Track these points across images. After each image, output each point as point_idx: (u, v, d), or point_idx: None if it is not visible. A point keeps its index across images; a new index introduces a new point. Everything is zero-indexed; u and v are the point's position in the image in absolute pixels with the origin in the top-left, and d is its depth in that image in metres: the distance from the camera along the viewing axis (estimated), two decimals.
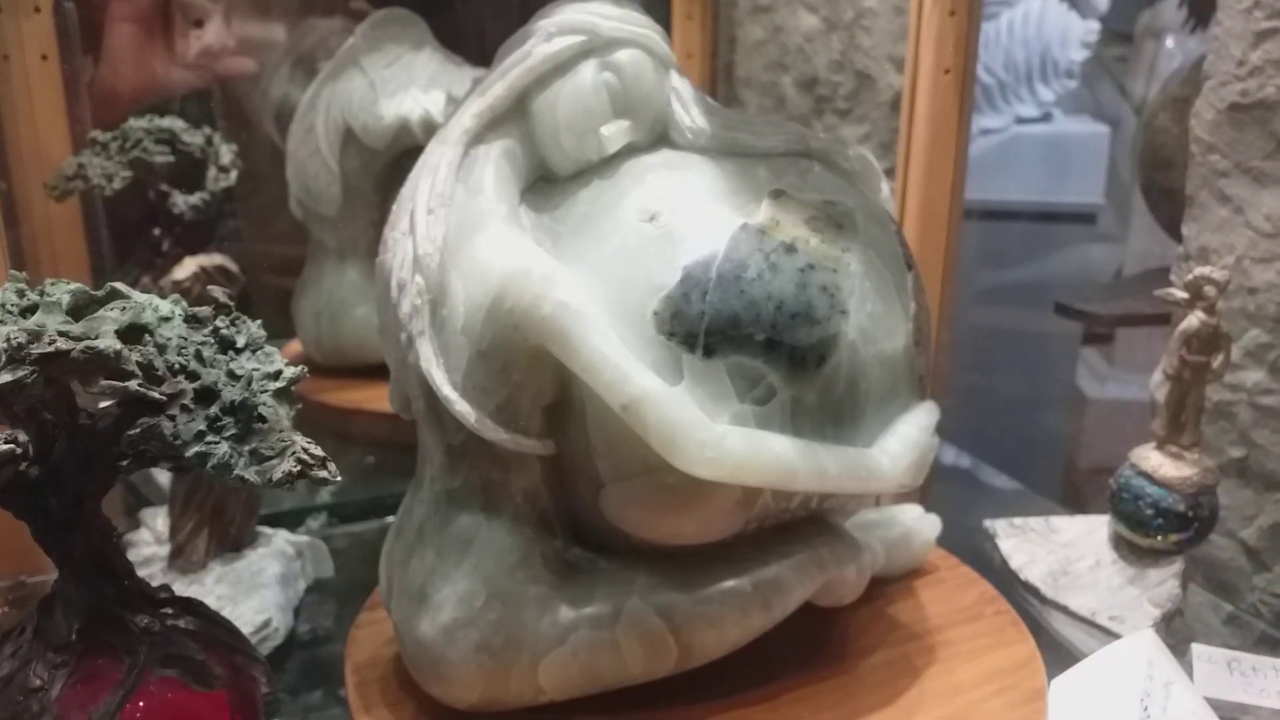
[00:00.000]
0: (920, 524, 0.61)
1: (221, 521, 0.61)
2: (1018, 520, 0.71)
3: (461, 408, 0.43)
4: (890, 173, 0.82)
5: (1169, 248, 1.12)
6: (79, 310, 0.33)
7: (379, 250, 0.48)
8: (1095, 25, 2.31)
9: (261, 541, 0.63)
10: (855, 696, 0.50)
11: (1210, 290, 0.57)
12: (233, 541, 0.62)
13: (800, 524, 0.49)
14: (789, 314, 0.43)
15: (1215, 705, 0.52)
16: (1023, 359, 1.51)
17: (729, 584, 0.47)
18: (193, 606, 0.41)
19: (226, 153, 0.84)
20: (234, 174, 0.83)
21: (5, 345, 0.31)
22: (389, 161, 0.90)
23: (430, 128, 0.87)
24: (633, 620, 0.46)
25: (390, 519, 0.51)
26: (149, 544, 0.62)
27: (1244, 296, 0.70)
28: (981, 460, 0.90)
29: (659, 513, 0.46)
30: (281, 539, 0.64)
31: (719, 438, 0.42)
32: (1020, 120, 2.37)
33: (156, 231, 0.78)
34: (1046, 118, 2.39)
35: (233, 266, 0.78)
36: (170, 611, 0.40)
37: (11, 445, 0.31)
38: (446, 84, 0.89)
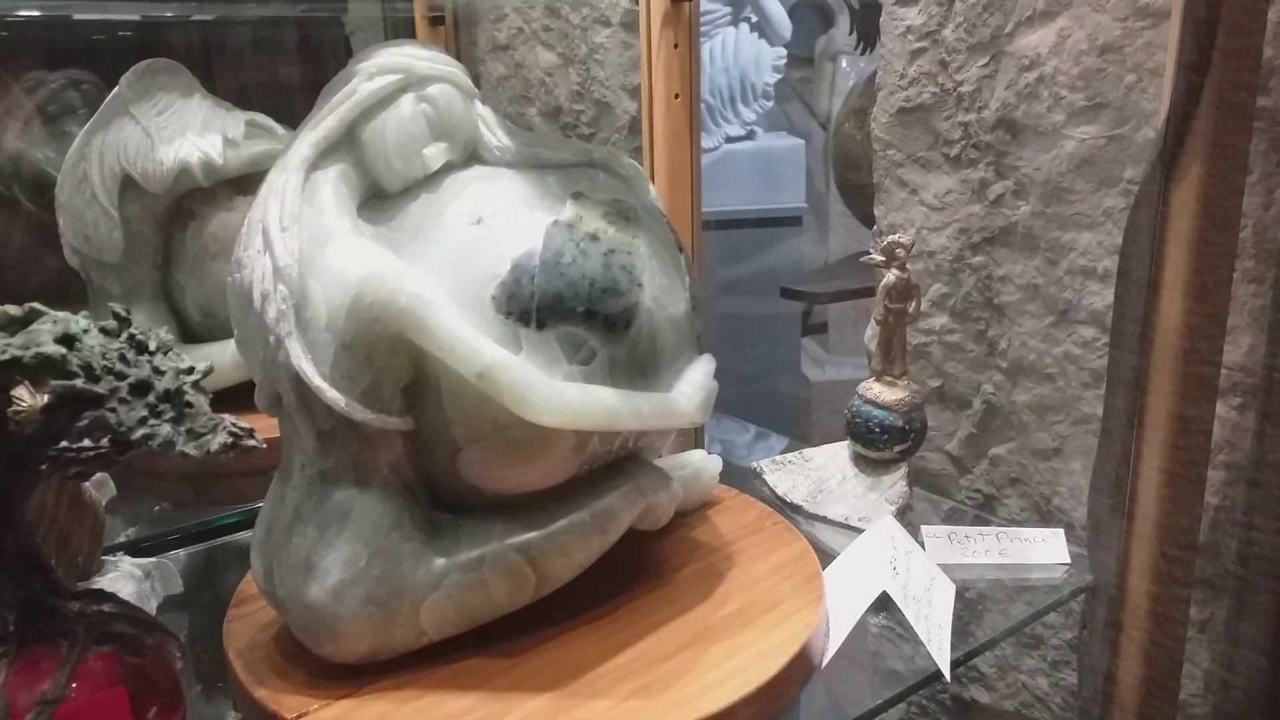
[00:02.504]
0: (706, 463, 0.74)
1: (68, 553, 0.63)
2: (778, 457, 0.86)
3: (332, 395, 0.50)
4: None
5: (863, 236, 1.34)
6: (9, 327, 0.38)
7: (231, 271, 0.54)
8: (783, 51, 2.61)
9: (109, 568, 0.65)
10: (677, 599, 0.62)
11: (900, 251, 0.74)
12: (81, 570, 0.63)
13: (622, 463, 0.60)
14: (600, 289, 0.53)
15: (943, 567, 0.68)
16: (758, 336, 1.73)
17: (572, 517, 0.57)
18: (105, 595, 0.46)
19: None
20: None
21: None
22: (169, 205, 0.92)
23: (210, 169, 0.91)
24: (496, 559, 0.55)
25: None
26: None
27: (925, 259, 0.89)
28: (741, 419, 1.05)
29: (509, 466, 0.55)
30: (128, 563, 0.66)
31: (559, 391, 0.52)
32: (729, 139, 2.63)
33: None
34: (751, 135, 2.67)
35: None
36: (91, 599, 0.44)
37: None
38: (220, 127, 0.93)
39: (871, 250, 0.81)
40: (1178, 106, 0.60)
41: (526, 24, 1.30)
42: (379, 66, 0.55)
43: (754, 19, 2.69)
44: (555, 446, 0.54)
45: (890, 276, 0.75)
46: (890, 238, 0.75)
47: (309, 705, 0.52)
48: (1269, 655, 0.67)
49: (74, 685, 0.41)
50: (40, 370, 0.36)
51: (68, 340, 0.38)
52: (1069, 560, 0.71)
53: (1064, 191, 0.77)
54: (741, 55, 2.67)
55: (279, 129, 0.99)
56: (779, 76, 2.63)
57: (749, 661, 0.55)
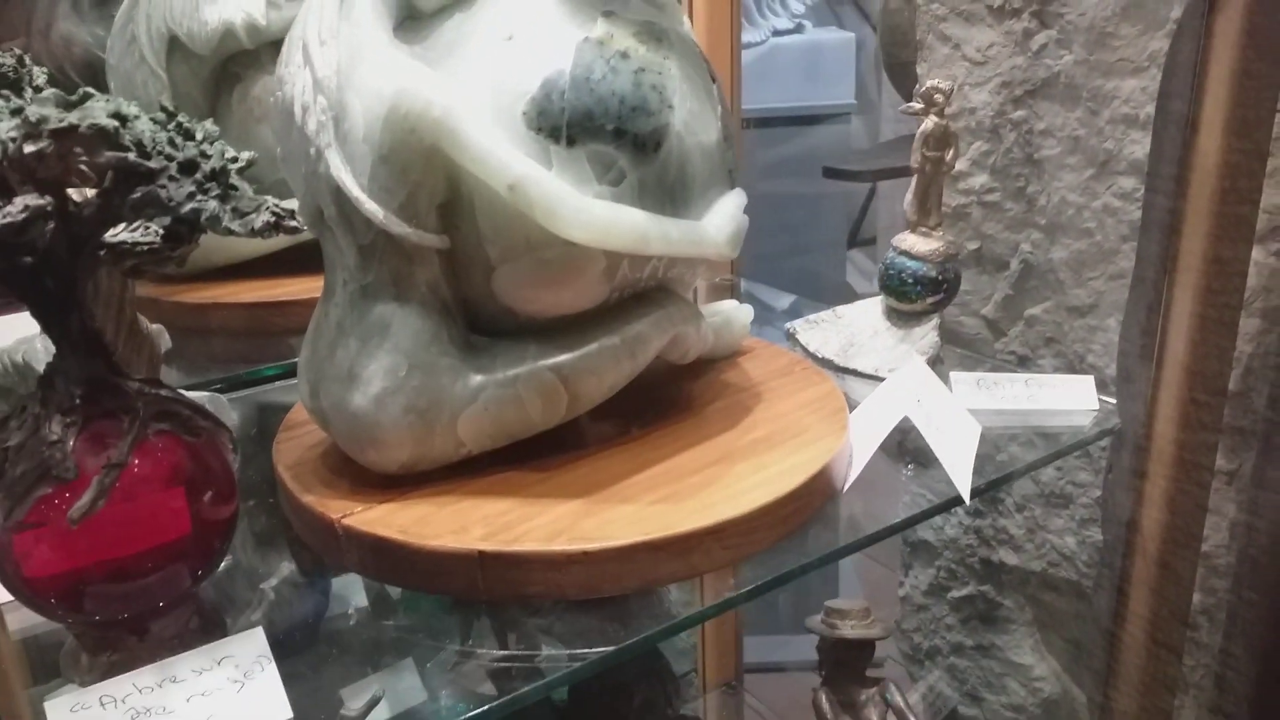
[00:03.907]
0: (737, 311, 0.75)
1: None
2: (811, 316, 0.87)
3: (370, 207, 0.52)
4: None
5: (912, 123, 1.32)
6: (65, 106, 0.40)
7: (274, 88, 0.55)
8: None
9: None
10: (704, 427, 0.64)
11: (939, 97, 0.74)
12: None
13: (652, 292, 0.62)
14: (630, 107, 0.54)
15: (972, 412, 0.69)
16: (805, 216, 1.74)
17: (603, 340, 0.58)
18: (162, 384, 0.49)
19: (40, 75, 0.86)
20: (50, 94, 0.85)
21: (20, 124, 0.37)
22: (215, 67, 0.94)
23: (254, 30, 0.92)
24: (531, 377, 0.57)
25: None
26: None
27: (966, 116, 0.88)
28: (779, 290, 1.06)
29: (542, 286, 0.57)
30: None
31: (589, 205, 0.53)
32: (777, 32, 2.57)
33: None
34: (799, 29, 2.60)
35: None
36: (149, 384, 0.47)
37: (41, 202, 0.38)
38: None
39: (913, 103, 0.81)
40: None
41: None
42: None
43: None
44: (586, 268, 0.56)
45: (928, 123, 0.74)
46: (929, 83, 0.74)
47: (353, 508, 0.55)
48: None
49: (135, 458, 0.44)
50: (95, 141, 0.38)
51: (120, 117, 0.40)
52: (1097, 406, 0.72)
53: (1108, 37, 0.75)
54: None
55: None
56: None
57: (772, 477, 0.57)
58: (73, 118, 0.38)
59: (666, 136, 0.56)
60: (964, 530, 0.99)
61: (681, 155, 0.57)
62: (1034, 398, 0.73)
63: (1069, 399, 0.72)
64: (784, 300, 1.05)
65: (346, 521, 0.54)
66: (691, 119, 0.58)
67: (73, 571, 0.45)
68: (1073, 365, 0.85)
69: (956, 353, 0.88)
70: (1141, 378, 0.69)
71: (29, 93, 0.87)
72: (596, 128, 0.54)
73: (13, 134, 0.38)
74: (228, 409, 0.73)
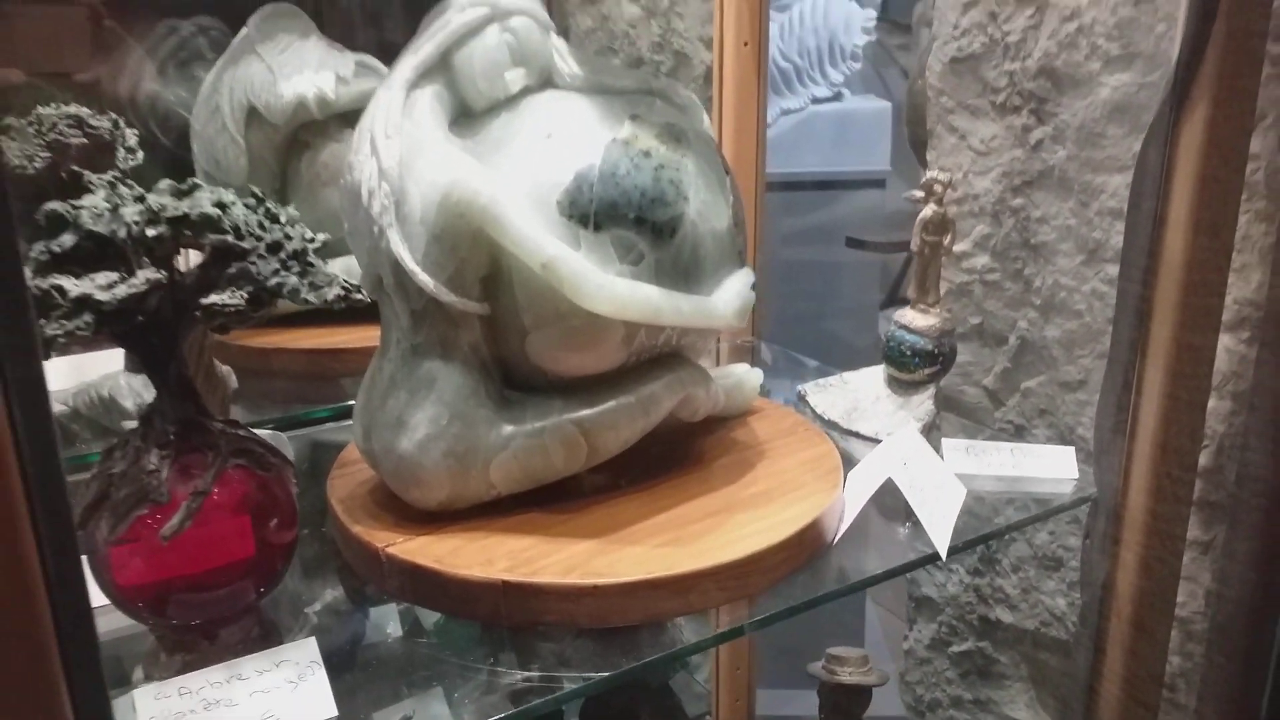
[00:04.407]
0: (749, 375, 0.82)
1: None
2: (821, 380, 0.93)
3: (423, 278, 0.61)
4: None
5: None
6: (178, 195, 0.49)
7: (343, 174, 0.64)
8: (873, 13, 2.63)
9: None
10: (709, 480, 0.71)
11: (938, 187, 0.81)
12: None
13: (666, 357, 0.69)
14: (650, 199, 0.62)
15: (961, 477, 0.75)
16: (840, 276, 1.81)
17: (620, 399, 0.66)
18: (239, 424, 0.57)
19: (131, 136, 0.96)
20: (140, 154, 0.95)
21: (144, 212, 0.46)
22: (288, 135, 1.04)
23: (324, 103, 1.02)
24: (555, 429, 0.64)
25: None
26: None
27: (971, 201, 0.95)
28: (800, 353, 1.13)
29: (568, 350, 0.64)
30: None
31: (611, 282, 0.61)
32: (815, 100, 2.66)
33: None
34: (838, 97, 2.70)
35: None
36: (229, 425, 0.55)
37: (158, 276, 0.46)
38: (333, 66, 1.04)
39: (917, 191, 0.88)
40: (1188, 51, 0.65)
41: None
42: (470, 0, 0.64)
43: None
44: (608, 335, 0.64)
45: (928, 210, 0.82)
46: (930, 174, 0.82)
47: (395, 539, 0.63)
48: (1257, 569, 0.73)
49: (216, 487, 0.52)
50: (201, 226, 0.47)
51: (221, 205, 0.49)
52: (1077, 475, 0.78)
53: (1097, 136, 0.82)
54: (831, 17, 2.70)
55: (384, 69, 1.09)
56: (869, 39, 2.66)
57: (766, 528, 0.64)
58: (184, 206, 0.47)
59: (681, 224, 0.64)
60: (964, 588, 1.04)
61: (695, 240, 0.65)
62: (1018, 465, 0.79)
63: (1051, 468, 0.78)
64: (812, 362, 1.11)
65: (389, 550, 0.61)
66: (705, 208, 0.66)
67: (159, 582, 0.53)
68: (1064, 436, 0.91)
69: (958, 420, 0.94)
70: (1117, 451, 0.74)
71: (121, 153, 0.97)
72: (620, 216, 0.62)
73: (136, 219, 0.47)
74: (286, 445, 0.81)
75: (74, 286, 0.44)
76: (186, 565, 0.53)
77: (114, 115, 0.95)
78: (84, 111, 0.92)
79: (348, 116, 1.06)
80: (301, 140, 1.06)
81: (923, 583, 1.10)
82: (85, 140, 0.91)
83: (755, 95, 1.08)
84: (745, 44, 1.04)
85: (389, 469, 0.65)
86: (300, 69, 1.03)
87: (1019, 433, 0.96)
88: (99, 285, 0.44)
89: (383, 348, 0.67)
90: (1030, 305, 0.92)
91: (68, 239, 0.47)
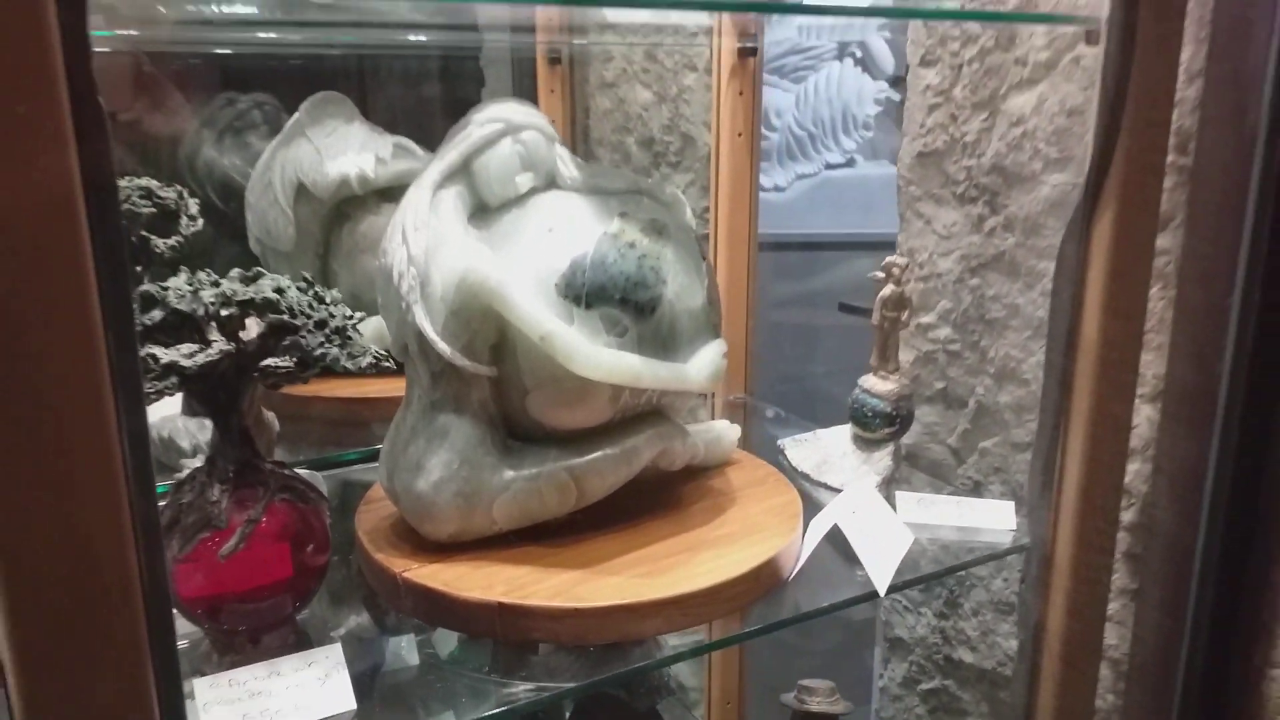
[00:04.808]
0: (728, 430, 0.93)
1: None
2: (798, 436, 1.04)
3: (442, 346, 0.72)
4: (708, 208, 1.16)
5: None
6: (245, 281, 0.61)
7: (379, 256, 0.77)
8: (885, 85, 2.77)
9: None
10: (684, 522, 0.81)
11: (895, 270, 0.92)
12: None
13: (648, 414, 0.80)
14: (633, 283, 0.74)
15: (910, 525, 0.86)
16: (830, 345, 1.91)
17: (606, 450, 0.77)
18: (285, 465, 0.69)
19: (193, 205, 1.10)
20: (200, 221, 1.09)
21: (219, 295, 0.58)
22: (331, 208, 1.17)
23: (364, 181, 1.15)
24: (550, 475, 0.76)
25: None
26: None
27: (935, 279, 1.06)
28: (795, 408, 1.24)
29: (563, 408, 0.76)
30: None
31: (598, 352, 0.72)
32: (829, 166, 2.80)
33: (139, 269, 1.00)
34: (850, 163, 2.83)
35: None
36: (277, 465, 0.67)
37: (228, 348, 0.58)
38: (374, 148, 1.17)
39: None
40: (1097, 161, 0.76)
41: (629, 65, 1.52)
42: (488, 117, 0.77)
43: (859, 54, 2.86)
44: (596, 396, 0.75)
45: (887, 290, 0.93)
46: (890, 258, 0.93)
47: (410, 565, 0.74)
48: (1169, 613, 0.82)
49: (265, 517, 0.64)
50: (263, 308, 0.59)
51: (280, 291, 0.61)
52: (1014, 526, 0.87)
53: (1040, 227, 0.93)
54: (844, 88, 2.84)
55: (419, 151, 1.23)
56: (880, 109, 2.79)
57: (728, 564, 0.75)
58: (250, 291, 0.59)
59: (660, 304, 0.75)
60: (932, 630, 1.13)
61: (672, 317, 0.76)
62: (962, 516, 0.89)
63: (992, 519, 0.88)
64: (796, 418, 1.22)
65: (405, 575, 0.73)
66: (681, 290, 0.77)
67: (215, 595, 0.64)
68: (1015, 492, 1.01)
69: (925, 476, 1.05)
70: (1047, 505, 0.84)
71: (184, 220, 1.11)
72: (607, 297, 0.73)
73: (212, 301, 0.59)
74: (321, 483, 0.93)
75: (164, 355, 0.56)
76: (238, 581, 0.64)
77: (179, 187, 1.09)
78: (153, 184, 1.05)
79: (385, 192, 1.19)
80: (343, 212, 1.19)
81: (895, 625, 1.19)
82: (154, 209, 1.05)
83: (748, 178, 1.20)
84: (739, 135, 1.17)
85: (407, 505, 0.76)
86: (344, 150, 1.16)
87: (977, 488, 1.06)
88: (183, 354, 0.56)
89: (406, 401, 0.79)
90: (986, 373, 1.03)
91: (157, 314, 0.59)
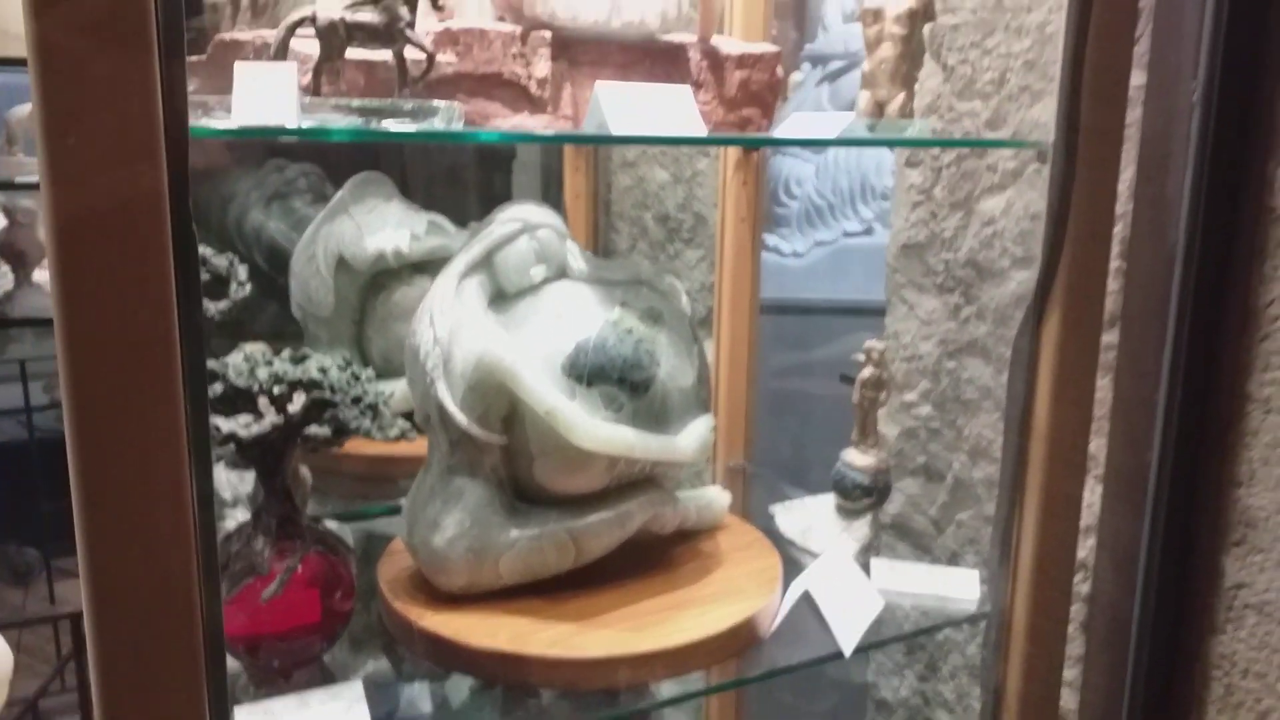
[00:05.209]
0: (719, 496, 1.02)
1: None
2: (788, 502, 1.13)
3: (460, 417, 0.82)
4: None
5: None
6: (295, 361, 0.72)
7: (408, 336, 0.87)
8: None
9: None
10: (672, 581, 0.90)
11: (874, 354, 1.01)
12: None
13: (642, 482, 0.90)
14: (630, 364, 0.84)
15: (884, 591, 0.94)
16: (826, 415, 1.99)
17: (603, 514, 0.86)
18: (319, 520, 0.79)
19: (243, 272, 1.22)
20: (249, 287, 1.20)
21: (271, 374, 0.69)
22: (368, 279, 1.28)
23: (399, 255, 1.26)
24: (551, 536, 0.85)
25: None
26: None
27: (917, 360, 1.15)
28: (795, 473, 1.32)
29: (565, 474, 0.85)
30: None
31: (597, 425, 0.82)
32: (847, 234, 2.90)
33: None
34: (869, 231, 2.92)
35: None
36: (313, 520, 0.77)
37: (278, 420, 0.69)
38: (409, 225, 1.29)
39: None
40: (1043, 270, 0.85)
41: (648, 147, 1.64)
42: (509, 216, 0.88)
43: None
44: (594, 464, 0.85)
45: (867, 372, 1.02)
46: (869, 342, 1.02)
47: (425, 614, 0.83)
48: (1111, 676, 0.89)
49: (301, 565, 0.74)
50: (309, 386, 0.69)
51: (323, 370, 0.71)
52: (979, 594, 0.95)
53: (1008, 318, 1.02)
54: (863, 159, 2.96)
55: (451, 228, 1.34)
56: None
57: (709, 622, 0.83)
58: (298, 372, 0.69)
59: (654, 383, 0.85)
60: (914, 692, 1.20)
61: (664, 395, 0.86)
62: (931, 583, 0.96)
63: (958, 587, 0.96)
64: (789, 485, 1.30)
65: (420, 622, 0.82)
66: (674, 371, 0.87)
67: (255, 634, 0.74)
68: (987, 562, 1.08)
69: (908, 545, 1.13)
70: (1005, 575, 0.92)
71: (234, 285, 1.22)
72: (606, 376, 0.83)
73: (265, 379, 0.70)
74: (348, 534, 1.03)
75: (225, 425, 0.66)
76: (275, 623, 0.74)
77: (230, 255, 1.20)
78: (207, 251, 1.17)
79: (418, 265, 1.30)
80: (379, 283, 1.30)
81: (882, 687, 1.26)
82: (208, 275, 1.16)
83: (750, 258, 1.30)
84: (743, 220, 1.27)
85: (424, 559, 0.85)
86: (383, 226, 1.28)
87: (954, 558, 1.13)
88: (240, 424, 0.67)
89: (426, 465, 0.88)
90: (962, 450, 1.11)
91: (218, 388, 0.70)
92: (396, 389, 1.16)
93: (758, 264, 1.30)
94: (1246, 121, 0.78)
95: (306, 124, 0.65)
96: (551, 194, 1.65)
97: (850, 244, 2.97)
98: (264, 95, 0.62)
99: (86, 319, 0.51)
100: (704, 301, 1.56)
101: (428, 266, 1.33)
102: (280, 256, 1.41)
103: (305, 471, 1.02)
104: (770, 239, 2.84)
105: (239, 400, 0.71)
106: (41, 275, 2.86)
